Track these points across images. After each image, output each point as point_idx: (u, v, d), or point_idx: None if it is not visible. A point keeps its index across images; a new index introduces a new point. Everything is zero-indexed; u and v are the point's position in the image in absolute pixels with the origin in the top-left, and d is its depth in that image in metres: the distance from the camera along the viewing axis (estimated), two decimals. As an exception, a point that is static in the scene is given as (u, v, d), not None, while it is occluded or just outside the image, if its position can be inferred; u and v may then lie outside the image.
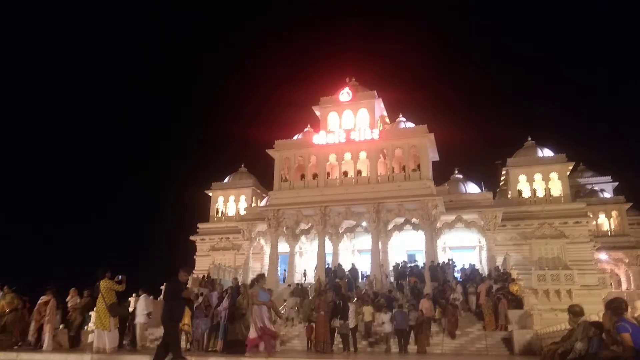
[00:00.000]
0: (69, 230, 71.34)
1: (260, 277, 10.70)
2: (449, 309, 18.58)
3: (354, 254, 33.59)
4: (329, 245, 30.30)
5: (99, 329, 10.84)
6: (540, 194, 32.53)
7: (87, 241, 68.64)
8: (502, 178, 36.41)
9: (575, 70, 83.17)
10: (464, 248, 31.51)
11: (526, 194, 32.89)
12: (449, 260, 28.03)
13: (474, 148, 69.19)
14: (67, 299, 14.10)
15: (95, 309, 11.32)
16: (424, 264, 27.08)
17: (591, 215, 32.96)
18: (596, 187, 40.93)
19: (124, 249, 63.90)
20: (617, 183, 42.17)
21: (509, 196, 33.41)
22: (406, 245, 31.78)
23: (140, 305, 13.61)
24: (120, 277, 11.17)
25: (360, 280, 27.20)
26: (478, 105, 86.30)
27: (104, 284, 10.89)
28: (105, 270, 11.00)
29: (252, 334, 9.87)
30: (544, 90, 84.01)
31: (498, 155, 37.57)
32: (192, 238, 37.90)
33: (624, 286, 37.01)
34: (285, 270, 31.38)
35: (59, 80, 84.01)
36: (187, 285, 10.51)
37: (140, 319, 13.35)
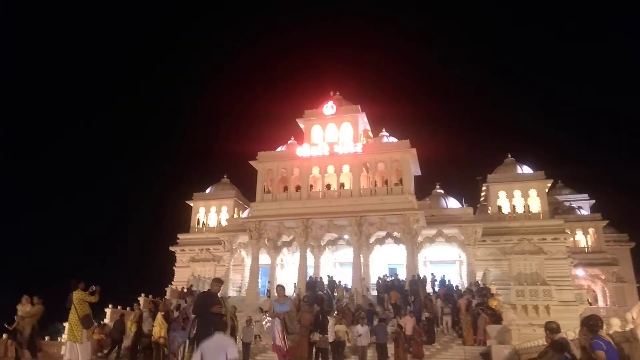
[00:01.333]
0: (44, 236, 69.75)
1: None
2: (416, 328, 17.78)
3: (336, 266, 33.45)
4: (310, 258, 30.21)
5: (70, 341, 10.52)
6: (520, 210, 32.88)
7: (62, 249, 67.10)
8: (483, 194, 36.78)
9: (556, 89, 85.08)
10: (445, 262, 31.60)
11: (506, 209, 33.21)
12: (432, 274, 28.07)
13: (455, 163, 69.90)
14: (18, 306, 13.41)
15: (68, 320, 10.99)
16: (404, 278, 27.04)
17: (569, 232, 33.37)
18: (574, 205, 41.67)
19: (100, 259, 62.71)
20: (594, 201, 43.01)
21: (489, 212, 33.72)
22: (387, 259, 31.75)
23: None
24: (93, 287, 10.87)
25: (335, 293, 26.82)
26: (460, 121, 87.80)
27: (76, 295, 10.59)
28: (78, 281, 10.69)
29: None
30: (525, 107, 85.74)
31: (479, 171, 38.00)
32: (171, 249, 37.37)
33: (600, 302, 37.53)
34: (269, 282, 31.04)
35: (42, 75, 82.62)
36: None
37: None
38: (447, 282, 26.35)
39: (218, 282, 8.17)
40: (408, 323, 17.71)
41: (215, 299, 7.76)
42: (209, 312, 7.55)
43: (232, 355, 5.62)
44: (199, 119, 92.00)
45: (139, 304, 14.10)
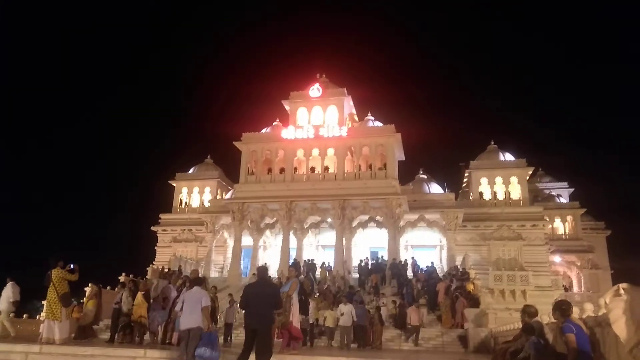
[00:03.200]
0: (25, 215, 68.64)
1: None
2: (374, 317, 17.09)
3: (318, 249, 33.63)
4: (293, 240, 30.33)
5: (49, 320, 10.43)
6: (501, 196, 33.30)
7: (43, 229, 66.20)
8: (465, 180, 37.17)
9: (538, 78, 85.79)
10: (426, 247, 31.97)
11: (487, 196, 33.62)
12: (412, 258, 28.41)
13: (439, 149, 70.53)
14: None
15: (46, 298, 10.88)
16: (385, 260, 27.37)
17: (547, 219, 34.03)
18: (553, 192, 42.41)
19: (81, 237, 62.08)
20: (573, 189, 43.83)
21: (470, 198, 34.12)
22: (370, 243, 32.03)
23: (6, 293, 12.67)
24: (72, 266, 10.75)
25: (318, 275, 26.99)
26: (445, 107, 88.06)
27: (55, 273, 10.48)
28: (57, 259, 10.57)
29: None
30: (509, 96, 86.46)
31: (462, 157, 38.33)
32: (153, 228, 37.15)
33: (575, 288, 38.53)
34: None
35: (27, 62, 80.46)
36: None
37: (3, 306, 12.56)
38: (431, 265, 26.59)
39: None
40: (413, 313, 17.69)
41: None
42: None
43: (205, 303, 7.74)
44: (184, 100, 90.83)
45: (96, 283, 13.85)
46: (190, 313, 7.56)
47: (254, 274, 26.07)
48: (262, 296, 7.30)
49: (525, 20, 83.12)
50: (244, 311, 7.50)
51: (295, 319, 10.24)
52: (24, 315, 21.15)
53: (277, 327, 9.84)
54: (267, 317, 7.30)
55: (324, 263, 27.81)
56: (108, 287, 21.26)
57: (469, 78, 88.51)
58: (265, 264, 26.60)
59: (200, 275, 15.57)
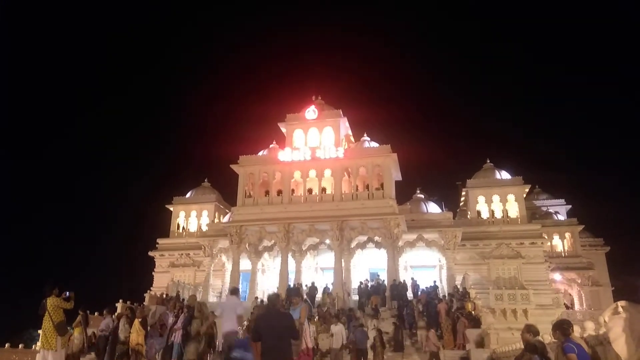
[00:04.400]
0: (17, 239, 68.07)
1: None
2: (376, 339, 16.96)
3: (317, 271, 33.45)
4: (291, 263, 30.16)
5: (44, 349, 10.27)
6: (498, 214, 33.31)
7: (38, 254, 65.65)
8: (462, 199, 37.18)
9: (534, 96, 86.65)
10: (425, 267, 31.84)
11: (485, 214, 33.65)
12: (412, 279, 28.25)
13: (436, 169, 70.68)
14: None
15: (42, 327, 10.72)
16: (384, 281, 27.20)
17: (546, 237, 34.00)
18: (551, 210, 42.40)
19: (78, 264, 61.50)
20: (570, 206, 43.87)
21: (468, 216, 34.11)
22: (369, 264, 31.88)
23: None
24: (67, 293, 10.62)
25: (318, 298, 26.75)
26: (441, 126, 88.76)
27: (51, 302, 10.34)
28: (52, 287, 10.44)
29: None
30: (504, 114, 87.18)
31: (459, 176, 38.58)
32: (150, 254, 36.95)
33: (576, 306, 38.23)
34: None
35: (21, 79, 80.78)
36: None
37: None
38: (433, 285, 26.39)
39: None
40: (432, 335, 17.50)
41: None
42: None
43: (240, 311, 9.51)
44: (180, 122, 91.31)
45: (83, 309, 13.63)
46: (227, 320, 9.03)
47: (255, 297, 25.92)
48: (278, 328, 6.55)
49: (523, 35, 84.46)
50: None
51: (308, 345, 10.06)
52: (20, 345, 20.82)
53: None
54: (287, 354, 6.58)
55: (326, 288, 27.60)
56: (96, 314, 21.00)
57: (465, 96, 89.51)
58: (277, 289, 26.27)
59: (198, 299, 15.44)
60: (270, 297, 7.23)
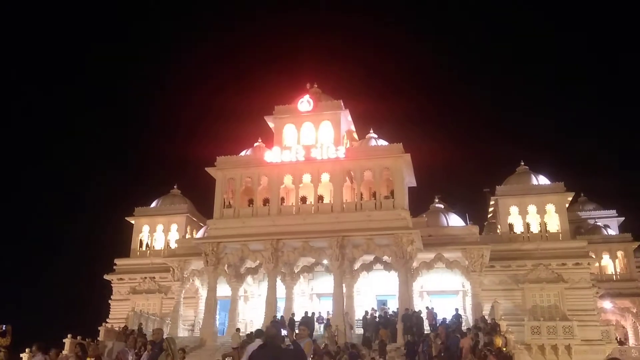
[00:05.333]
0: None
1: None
2: None
3: (313, 299, 33.50)
4: (281, 288, 30.13)
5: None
6: (535, 229, 33.43)
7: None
8: (491, 209, 37.34)
9: (577, 88, 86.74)
10: (445, 293, 31.93)
11: (518, 228, 33.76)
12: (428, 308, 28.24)
13: (457, 172, 70.74)
14: None
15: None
16: (395, 311, 27.24)
17: (594, 256, 34.01)
18: (599, 223, 42.47)
19: (20, 292, 61.07)
20: (623, 218, 43.97)
21: (498, 231, 34.20)
22: (376, 289, 31.98)
23: None
24: (4, 327, 10.59)
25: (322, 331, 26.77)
26: (463, 122, 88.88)
27: (-17, 337, 10.30)
28: (-15, 320, 10.41)
29: None
30: (540, 106, 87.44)
31: (486, 182, 38.50)
32: (107, 277, 36.95)
33: (631, 341, 38.19)
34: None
35: None
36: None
37: None
38: (454, 315, 26.39)
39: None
40: None
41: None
42: None
43: None
44: (145, 116, 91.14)
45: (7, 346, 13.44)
46: None
47: (237, 329, 25.80)
48: None
49: (559, 14, 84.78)
50: None
51: None
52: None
53: None
54: None
55: (320, 317, 27.63)
56: (52, 351, 20.88)
57: (490, 86, 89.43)
58: (276, 317, 26.17)
59: (165, 335, 15.37)
60: (269, 328, 6.97)
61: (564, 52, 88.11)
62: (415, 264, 29.46)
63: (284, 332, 22.93)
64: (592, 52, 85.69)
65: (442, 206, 35.44)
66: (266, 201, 31.35)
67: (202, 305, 32.09)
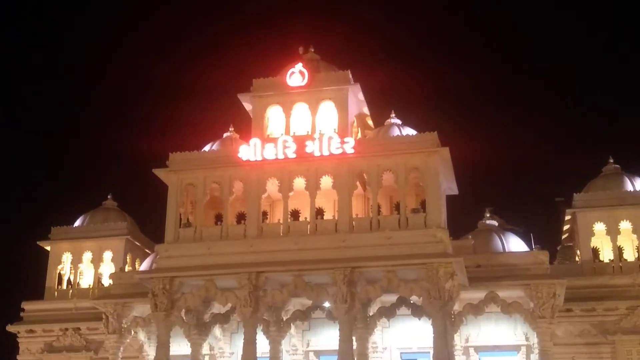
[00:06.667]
0: None
1: None
2: None
3: (309, 358, 33.48)
4: (263, 343, 30.07)
5: None
6: (630, 255, 33.46)
7: None
8: (566, 227, 37.15)
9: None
10: (501, 349, 31.84)
11: (607, 254, 33.78)
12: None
13: (516, 174, 70.29)
14: None
15: None
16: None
17: None
18: None
19: None
20: None
21: (577, 259, 34.23)
22: (400, 343, 32.05)
23: None
24: None
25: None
26: (521, 103, 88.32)
27: None
28: None
29: None
30: (627, 79, 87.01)
31: (558, 188, 38.24)
32: (10, 329, 37.03)
33: None
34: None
35: None
36: None
37: None
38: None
39: None
40: None
41: None
42: None
43: None
44: (66, 99, 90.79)
45: None
46: None
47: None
48: None
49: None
50: None
51: None
52: None
53: None
54: None
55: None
56: None
57: (556, 50, 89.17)
58: None
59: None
60: None
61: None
62: (457, 308, 29.25)
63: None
64: None
65: (495, 223, 35.38)
66: (241, 217, 31.50)
67: (148, 369, 31.85)
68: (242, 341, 29.47)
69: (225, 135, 34.32)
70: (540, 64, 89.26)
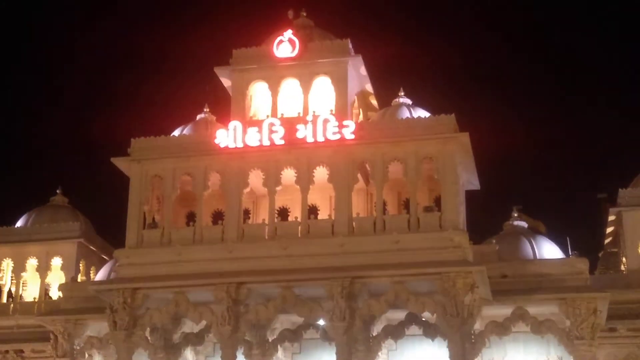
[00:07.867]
0: None
1: None
2: None
3: (299, 387, 33.47)
4: (243, 368, 30.07)
5: None
6: (687, 264, 33.44)
7: None
8: (609, 229, 37.28)
9: None
10: (531, 376, 31.87)
11: (658, 263, 33.71)
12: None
13: (548, 167, 70.58)
14: None
15: None
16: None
17: None
18: None
19: None
20: None
21: (622, 268, 34.30)
22: (410, 370, 32.00)
23: None
24: None
25: None
26: (551, 82, 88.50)
27: None
28: None
29: None
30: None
31: (599, 184, 38.24)
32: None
33: None
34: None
35: None
36: None
37: None
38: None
39: None
40: None
41: None
42: None
43: None
44: (11, 79, 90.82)
45: None
46: None
47: None
48: None
49: None
50: None
51: None
52: None
53: None
54: None
55: None
56: None
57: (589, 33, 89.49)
58: None
59: None
60: None
61: None
62: (478, 327, 29.33)
63: None
64: None
65: (524, 225, 35.46)
66: (218, 216, 31.73)
67: (105, 399, 32.06)
68: (219, 366, 29.57)
69: (199, 117, 34.61)
70: (580, 45, 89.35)
